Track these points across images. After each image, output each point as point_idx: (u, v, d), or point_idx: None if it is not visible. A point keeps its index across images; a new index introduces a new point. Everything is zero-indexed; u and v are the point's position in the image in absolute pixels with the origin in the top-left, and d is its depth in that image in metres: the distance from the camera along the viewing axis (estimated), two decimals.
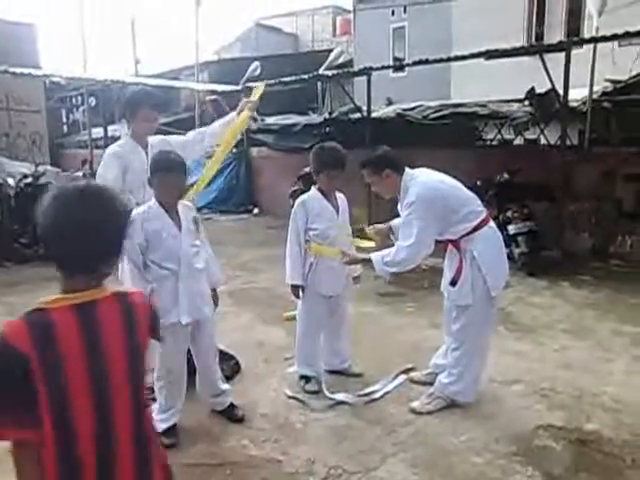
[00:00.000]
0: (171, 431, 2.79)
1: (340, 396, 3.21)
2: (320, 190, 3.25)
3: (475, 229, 2.94)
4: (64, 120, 20.51)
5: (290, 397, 3.26)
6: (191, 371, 2.97)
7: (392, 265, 2.94)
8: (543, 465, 2.57)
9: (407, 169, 3.06)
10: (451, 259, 3.06)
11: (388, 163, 3.02)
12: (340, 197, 3.37)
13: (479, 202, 3.05)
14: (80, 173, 8.68)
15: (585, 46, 7.57)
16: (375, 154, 3.10)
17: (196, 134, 3.51)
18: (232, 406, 3.04)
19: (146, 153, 3.13)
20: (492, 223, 3.05)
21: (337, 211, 3.28)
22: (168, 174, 2.64)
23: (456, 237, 2.96)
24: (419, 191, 2.90)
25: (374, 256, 2.99)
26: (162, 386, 2.79)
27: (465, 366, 3.04)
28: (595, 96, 7.06)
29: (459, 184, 3.08)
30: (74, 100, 19.63)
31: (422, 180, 2.98)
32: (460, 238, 2.95)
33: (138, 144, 3.17)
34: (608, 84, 7.40)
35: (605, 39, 6.48)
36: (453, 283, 2.96)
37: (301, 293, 3.26)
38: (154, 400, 2.82)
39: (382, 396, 3.26)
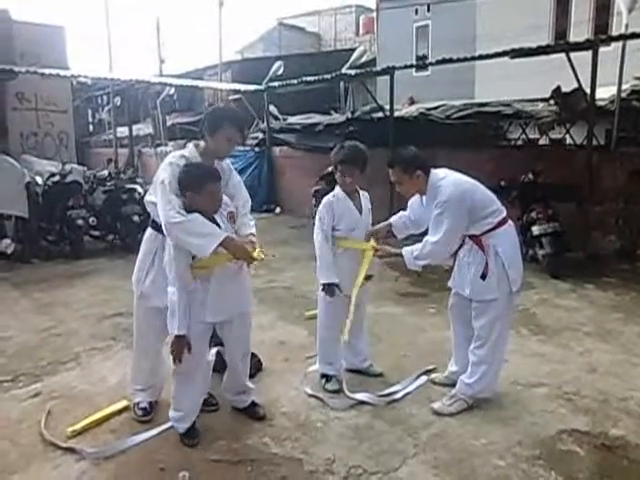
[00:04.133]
0: (192, 431, 2.81)
1: (361, 396, 3.20)
2: (344, 190, 3.27)
3: (498, 225, 3.00)
4: (90, 119, 20.94)
5: (311, 396, 3.27)
6: (217, 368, 3.00)
7: (421, 258, 3.03)
8: (567, 470, 2.53)
9: (432, 170, 3.09)
10: (472, 256, 3.08)
11: (420, 163, 3.04)
12: (364, 196, 3.38)
13: (497, 199, 3.12)
14: (106, 172, 8.80)
15: (614, 44, 7.42)
16: (407, 154, 3.09)
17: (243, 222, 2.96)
18: (254, 404, 3.06)
19: None
20: (510, 221, 3.10)
21: (360, 212, 3.29)
22: (217, 182, 2.64)
23: (479, 232, 3.01)
24: (451, 191, 2.94)
25: (404, 250, 3.09)
26: (181, 383, 2.80)
27: (489, 363, 3.06)
28: (623, 95, 6.92)
29: (483, 187, 3.13)
30: (100, 100, 20.04)
31: (451, 180, 3.02)
32: (482, 234, 3.00)
33: (204, 162, 2.79)
34: (637, 82, 7.24)
35: (635, 36, 6.34)
36: (484, 277, 2.99)
37: (336, 290, 3.23)
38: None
39: (403, 397, 3.25)
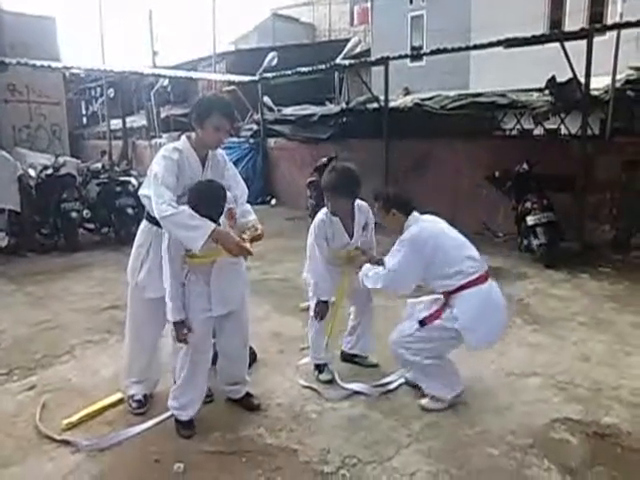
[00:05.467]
0: (189, 422, 2.82)
1: (355, 386, 3.22)
2: (331, 212, 3.27)
3: (464, 287, 2.89)
4: (83, 112, 20.77)
5: (305, 387, 3.29)
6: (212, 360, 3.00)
7: (368, 280, 3.12)
8: (559, 458, 2.56)
9: (415, 213, 3.08)
10: (433, 303, 3.06)
11: (396, 204, 3.08)
12: (361, 211, 3.33)
13: (474, 262, 2.96)
14: (99, 164, 8.75)
15: (608, 33, 7.40)
16: (388, 192, 3.18)
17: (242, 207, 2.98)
18: (248, 395, 3.08)
19: (203, 166, 2.80)
20: (487, 284, 2.96)
21: (351, 234, 3.29)
22: (223, 208, 2.67)
23: (448, 291, 2.95)
24: (414, 232, 2.96)
25: (365, 267, 3.20)
26: (189, 371, 2.79)
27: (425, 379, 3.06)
28: (618, 84, 6.90)
29: (460, 240, 3.04)
30: (93, 92, 19.87)
31: (422, 225, 3.00)
32: (450, 293, 2.94)
33: (197, 154, 2.78)
34: (632, 72, 7.23)
35: (630, 25, 6.32)
36: (422, 323, 2.97)
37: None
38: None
39: (397, 387, 3.26)
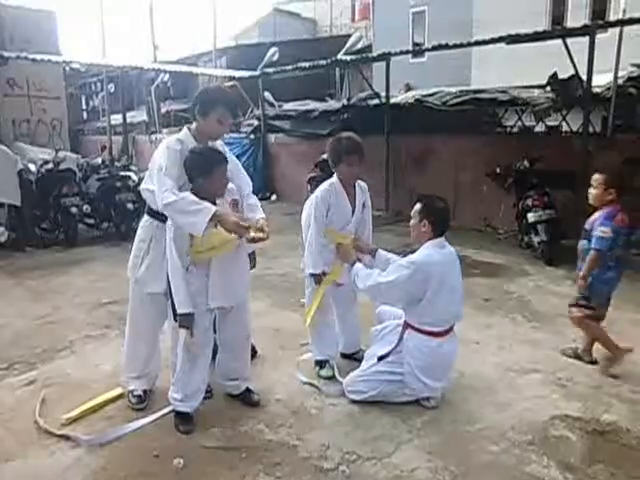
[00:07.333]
0: (188, 418, 2.82)
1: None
2: (341, 181, 3.25)
3: (423, 331, 2.92)
4: (84, 106, 20.73)
5: (305, 383, 3.28)
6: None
7: (359, 281, 3.04)
8: (559, 455, 2.56)
9: (442, 238, 2.97)
10: (393, 330, 3.08)
11: (434, 219, 2.93)
12: (360, 187, 3.35)
13: (453, 318, 2.99)
14: (99, 159, 8.73)
15: (611, 30, 7.36)
16: (434, 202, 3.00)
17: (250, 204, 2.97)
18: (248, 390, 3.07)
19: None
20: (447, 336, 2.95)
21: (353, 209, 3.29)
22: (224, 164, 2.66)
23: (410, 323, 2.97)
24: (425, 261, 2.87)
25: (357, 265, 3.12)
26: (189, 361, 2.79)
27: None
28: (620, 81, 6.87)
29: (458, 294, 2.99)
30: (93, 87, 19.83)
31: (437, 259, 2.89)
32: (412, 326, 2.95)
33: (199, 145, 2.78)
34: (634, 69, 7.19)
35: (633, 22, 6.29)
36: (380, 358, 3.00)
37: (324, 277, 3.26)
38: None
39: None
